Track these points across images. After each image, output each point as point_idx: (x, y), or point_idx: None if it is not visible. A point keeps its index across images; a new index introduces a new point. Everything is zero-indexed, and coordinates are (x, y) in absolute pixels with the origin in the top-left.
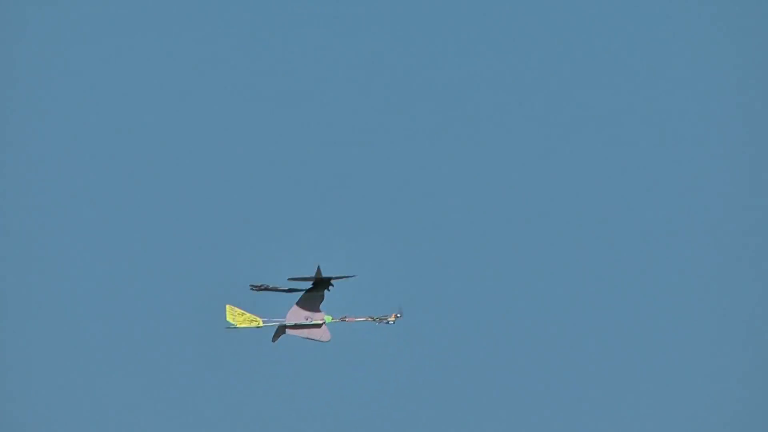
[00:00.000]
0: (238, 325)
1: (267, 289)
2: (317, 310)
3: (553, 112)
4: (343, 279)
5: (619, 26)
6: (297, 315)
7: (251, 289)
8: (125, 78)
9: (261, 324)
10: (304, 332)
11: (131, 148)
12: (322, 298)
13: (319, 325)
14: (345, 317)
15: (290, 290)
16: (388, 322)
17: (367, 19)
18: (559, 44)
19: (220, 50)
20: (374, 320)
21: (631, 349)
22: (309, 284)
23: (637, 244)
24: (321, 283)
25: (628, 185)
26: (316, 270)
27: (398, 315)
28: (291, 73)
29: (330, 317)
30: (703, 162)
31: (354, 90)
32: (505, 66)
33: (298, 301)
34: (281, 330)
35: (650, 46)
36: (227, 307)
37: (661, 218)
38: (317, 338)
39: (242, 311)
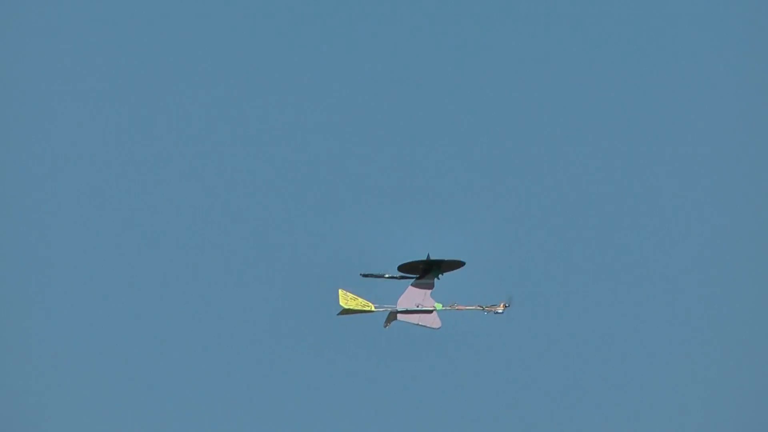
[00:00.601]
0: (351, 309)
1: (378, 276)
2: (428, 297)
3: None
4: (453, 266)
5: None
6: (408, 301)
7: (362, 276)
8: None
9: (373, 309)
10: (415, 318)
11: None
12: (432, 286)
13: (429, 312)
14: (454, 305)
15: (401, 278)
16: (496, 312)
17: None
18: (559, 44)
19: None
20: (483, 309)
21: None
22: (419, 273)
23: (648, 241)
24: (431, 270)
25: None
26: (426, 257)
27: (507, 304)
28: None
29: (440, 305)
30: (704, 162)
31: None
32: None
33: (409, 287)
34: (393, 316)
35: (652, 46)
36: (340, 291)
37: (661, 218)
38: (428, 325)
39: (355, 296)
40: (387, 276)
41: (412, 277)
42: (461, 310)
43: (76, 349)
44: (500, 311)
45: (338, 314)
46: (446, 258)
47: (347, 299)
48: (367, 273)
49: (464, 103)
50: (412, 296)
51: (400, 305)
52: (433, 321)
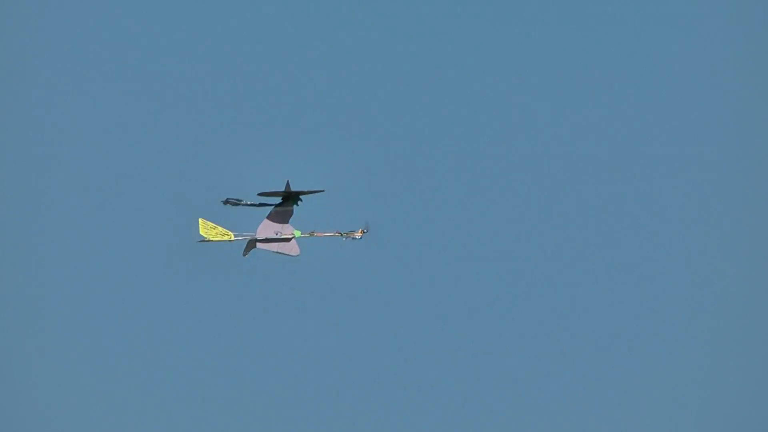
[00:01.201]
0: (210, 239)
1: (238, 203)
2: (287, 225)
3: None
4: (312, 194)
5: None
6: (267, 229)
7: (223, 203)
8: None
9: (233, 238)
10: (274, 246)
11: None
12: (292, 213)
13: (288, 239)
14: (313, 232)
15: (260, 205)
16: (354, 238)
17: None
18: (559, 44)
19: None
20: (342, 235)
21: (633, 348)
22: (278, 199)
23: (644, 241)
24: (290, 198)
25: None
26: (285, 185)
27: (365, 231)
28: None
29: (299, 232)
30: (704, 162)
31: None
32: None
33: (268, 215)
34: (252, 244)
35: (654, 46)
36: (200, 221)
37: (661, 219)
38: (287, 252)
39: (214, 225)
40: (247, 203)
41: (271, 205)
42: (321, 236)
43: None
44: (358, 237)
45: (198, 242)
46: (305, 189)
47: (207, 228)
48: (226, 200)
49: (318, 33)
50: (272, 224)
51: (260, 234)
52: (291, 248)
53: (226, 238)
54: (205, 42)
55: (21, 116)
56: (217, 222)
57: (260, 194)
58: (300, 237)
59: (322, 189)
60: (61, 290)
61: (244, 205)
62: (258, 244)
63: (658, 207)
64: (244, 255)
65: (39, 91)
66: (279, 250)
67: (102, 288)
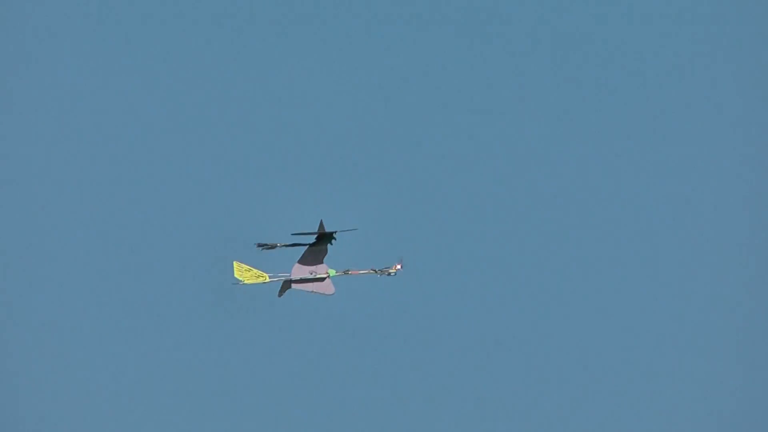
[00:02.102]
0: (245, 281)
1: (273, 247)
2: (321, 264)
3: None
4: (345, 233)
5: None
6: (302, 269)
7: (258, 248)
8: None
9: (267, 279)
10: (309, 286)
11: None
12: (326, 252)
13: (323, 279)
14: (348, 270)
15: (294, 245)
16: (389, 274)
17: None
18: (561, 45)
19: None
20: (376, 272)
21: (635, 347)
22: (312, 239)
23: (644, 241)
24: (324, 238)
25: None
26: (319, 225)
27: (399, 266)
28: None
29: (334, 271)
30: (704, 162)
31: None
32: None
33: (303, 255)
34: (287, 284)
35: (655, 46)
36: (234, 263)
37: (663, 219)
38: (322, 291)
39: (249, 267)
40: (280, 245)
41: (305, 245)
42: (355, 274)
43: None
44: (393, 273)
45: (233, 285)
46: (338, 229)
47: (242, 270)
48: (261, 244)
49: (351, 74)
50: (306, 264)
51: (294, 274)
52: (327, 288)
53: (260, 279)
54: (240, 87)
55: (66, 160)
56: (252, 264)
57: (294, 234)
58: (335, 276)
59: (355, 227)
60: (100, 335)
61: (278, 247)
62: (293, 285)
63: (658, 207)
64: (280, 296)
65: (80, 136)
66: (314, 290)
67: (141, 331)
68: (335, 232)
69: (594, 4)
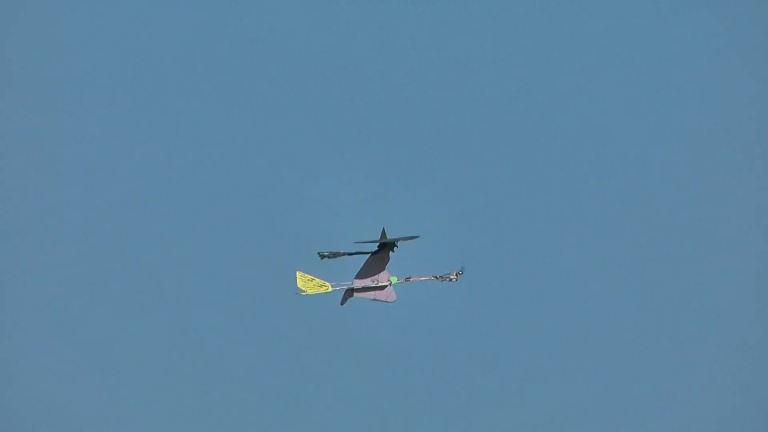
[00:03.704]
0: (308, 291)
1: (335, 256)
2: (383, 272)
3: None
4: (408, 240)
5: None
6: (364, 278)
7: (320, 256)
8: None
9: (330, 289)
10: (371, 294)
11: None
12: (388, 260)
13: (384, 287)
14: (410, 277)
15: (356, 253)
16: (450, 280)
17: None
18: (562, 44)
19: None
20: (437, 279)
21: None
22: (374, 247)
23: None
24: (386, 245)
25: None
26: (381, 232)
27: (460, 272)
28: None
29: (395, 278)
30: (705, 162)
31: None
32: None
33: (365, 264)
34: (349, 293)
35: (655, 46)
36: (297, 273)
37: (665, 219)
38: (384, 299)
39: (311, 277)
40: (343, 253)
41: (367, 253)
42: (417, 281)
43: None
44: (454, 279)
45: (296, 294)
46: (400, 236)
47: (305, 280)
48: (323, 253)
49: (409, 78)
50: (368, 272)
51: (356, 283)
52: (388, 295)
53: (323, 289)
54: (296, 95)
55: (90, 165)
56: (315, 273)
57: (357, 242)
58: (396, 283)
59: (417, 235)
60: (163, 345)
61: (340, 255)
62: (355, 293)
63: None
64: (342, 305)
65: (114, 142)
66: (376, 298)
67: (203, 342)
68: (397, 240)
69: None
